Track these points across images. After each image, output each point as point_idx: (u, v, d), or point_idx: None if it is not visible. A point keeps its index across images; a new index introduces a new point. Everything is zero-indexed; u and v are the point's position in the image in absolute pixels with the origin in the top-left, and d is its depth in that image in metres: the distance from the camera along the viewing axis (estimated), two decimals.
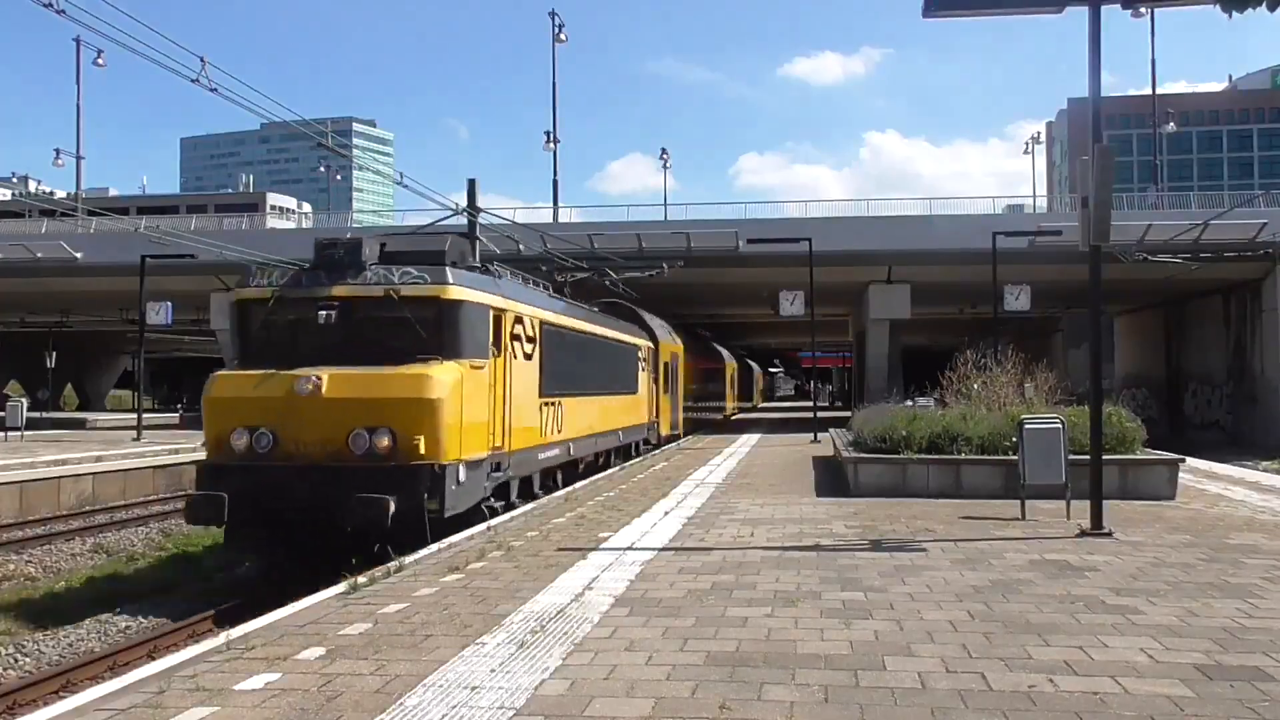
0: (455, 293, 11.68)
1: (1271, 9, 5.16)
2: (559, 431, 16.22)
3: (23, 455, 21.79)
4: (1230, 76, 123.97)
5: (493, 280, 13.51)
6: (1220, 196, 43.29)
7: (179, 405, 63.58)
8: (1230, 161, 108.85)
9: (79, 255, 35.38)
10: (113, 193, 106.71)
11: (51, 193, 72.24)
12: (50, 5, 11.30)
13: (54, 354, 46.06)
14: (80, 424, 40.24)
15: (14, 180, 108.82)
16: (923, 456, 13.93)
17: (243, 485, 10.73)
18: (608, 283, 30.70)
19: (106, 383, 64.53)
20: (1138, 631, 6.25)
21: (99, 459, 22.06)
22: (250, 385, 11.18)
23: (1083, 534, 10.06)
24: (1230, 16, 5.58)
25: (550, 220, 40.79)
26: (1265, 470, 20.73)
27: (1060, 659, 5.63)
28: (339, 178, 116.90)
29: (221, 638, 6.51)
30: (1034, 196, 63.03)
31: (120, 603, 11.72)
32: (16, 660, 9.44)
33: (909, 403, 19.40)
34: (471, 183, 26.26)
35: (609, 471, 20.14)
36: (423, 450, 10.81)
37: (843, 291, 36.08)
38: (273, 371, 11.09)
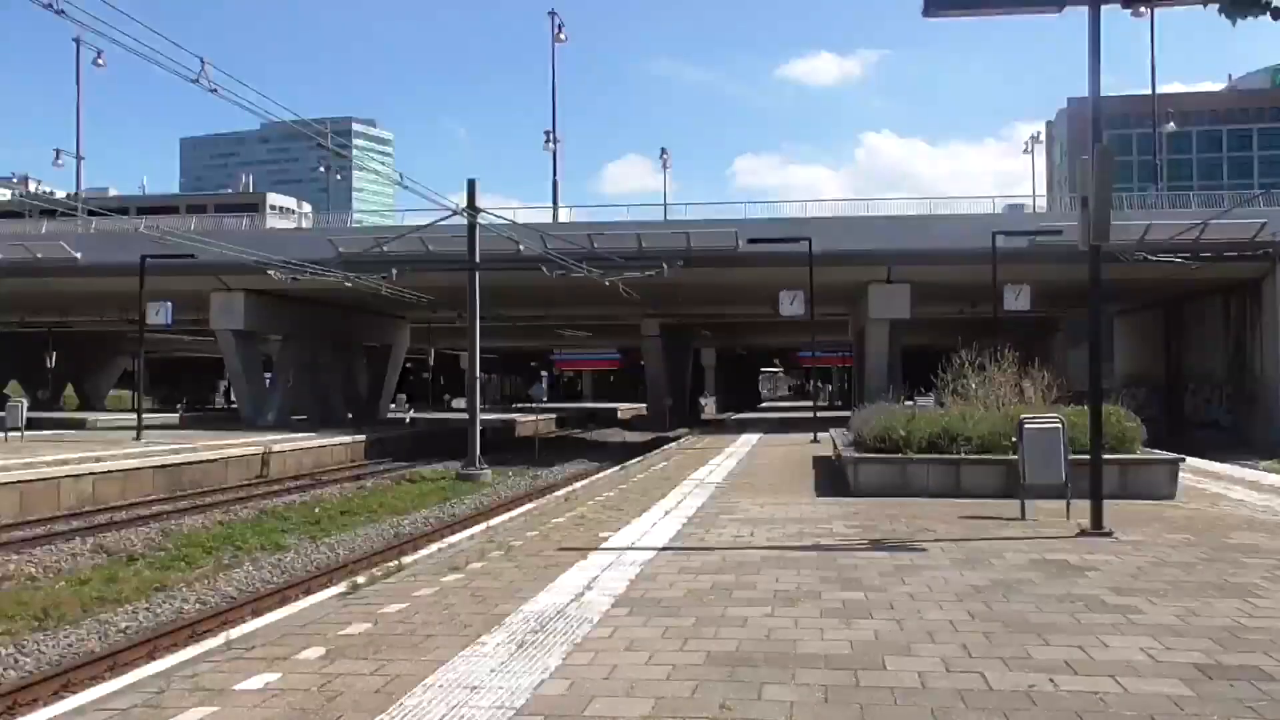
0: None
1: (1275, 17, 5.16)
2: None
3: (23, 455, 21.78)
4: (1230, 76, 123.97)
5: None
6: (1220, 196, 43.26)
7: (179, 405, 63.56)
8: (1230, 161, 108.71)
9: (79, 255, 35.37)
10: (113, 193, 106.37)
11: (51, 193, 72.17)
12: (50, 5, 11.31)
13: (54, 354, 46.06)
14: (80, 424, 40.19)
15: (14, 180, 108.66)
16: (923, 456, 13.92)
17: None
18: (607, 283, 30.74)
19: (106, 383, 64.47)
20: (1138, 631, 6.24)
21: (99, 459, 22.05)
22: None
23: (1083, 533, 10.05)
24: (1234, 24, 5.57)
25: (550, 220, 40.85)
26: (1265, 470, 20.71)
27: (1060, 659, 5.62)
28: (339, 178, 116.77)
29: (221, 638, 6.51)
30: (1034, 196, 62.93)
31: (120, 603, 11.74)
32: (16, 660, 9.43)
33: (909, 402, 19.39)
34: (471, 183, 26.32)
35: (609, 471, 20.16)
36: None
37: (843, 291, 36.07)
38: None
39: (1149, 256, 28.94)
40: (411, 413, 48.67)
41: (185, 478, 23.88)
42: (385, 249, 31.81)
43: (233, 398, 58.82)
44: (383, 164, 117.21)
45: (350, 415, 44.51)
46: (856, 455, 14.79)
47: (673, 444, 29.22)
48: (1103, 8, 10.07)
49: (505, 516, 13.18)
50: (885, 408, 16.99)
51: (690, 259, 31.49)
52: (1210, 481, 15.93)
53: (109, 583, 12.84)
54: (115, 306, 40.40)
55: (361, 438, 33.47)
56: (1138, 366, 45.39)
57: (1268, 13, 5.12)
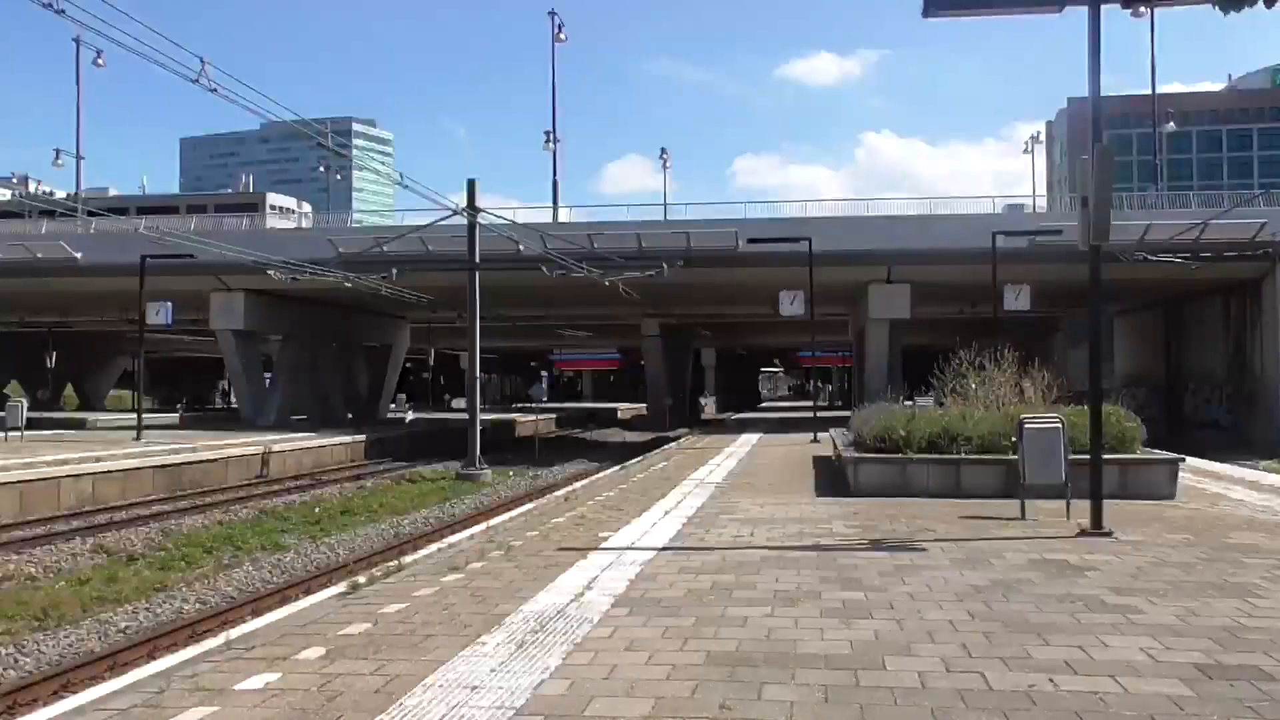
0: None
1: (1269, 5, 5.18)
2: None
3: (23, 455, 21.78)
4: (1230, 76, 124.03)
5: None
6: (1220, 196, 43.26)
7: (179, 405, 63.57)
8: (1230, 161, 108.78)
9: (79, 255, 35.38)
10: (113, 193, 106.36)
11: (51, 193, 72.15)
12: (50, 5, 11.31)
13: (54, 354, 46.08)
14: (80, 424, 40.18)
15: (14, 180, 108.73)
16: (923, 456, 13.91)
17: None
18: (607, 283, 30.73)
19: (106, 383, 64.47)
20: (1138, 631, 6.24)
21: (99, 459, 22.05)
22: None
23: (1082, 533, 10.06)
24: (1226, 14, 5.60)
25: (550, 220, 40.82)
26: (1265, 469, 20.71)
27: (1060, 658, 5.62)
28: (339, 178, 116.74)
29: (221, 638, 6.52)
30: (1034, 196, 62.89)
31: (120, 603, 11.74)
32: (16, 660, 9.43)
33: (909, 402, 19.38)
34: (471, 183, 26.31)
35: (609, 471, 20.16)
36: None
37: (843, 291, 36.07)
38: None
39: (1149, 256, 28.92)
40: (410, 414, 48.60)
41: (185, 478, 23.89)
42: (385, 249, 31.81)
43: (233, 398, 58.82)
44: (383, 164, 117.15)
45: (350, 415, 44.51)
46: (856, 455, 14.78)
47: (673, 444, 29.22)
48: (1103, 8, 10.06)
49: (505, 516, 13.18)
50: (885, 408, 16.98)
51: (690, 259, 31.48)
52: (1210, 481, 15.93)
53: (109, 583, 12.85)
54: (115, 306, 40.41)
55: (361, 438, 33.46)
56: (1138, 366, 45.38)
57: (1259, 2, 5.14)
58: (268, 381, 42.61)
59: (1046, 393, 15.98)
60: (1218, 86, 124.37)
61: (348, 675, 5.46)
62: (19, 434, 27.59)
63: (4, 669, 9.17)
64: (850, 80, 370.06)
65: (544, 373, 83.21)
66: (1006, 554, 9.05)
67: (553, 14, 48.05)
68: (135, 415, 32.34)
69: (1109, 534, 9.96)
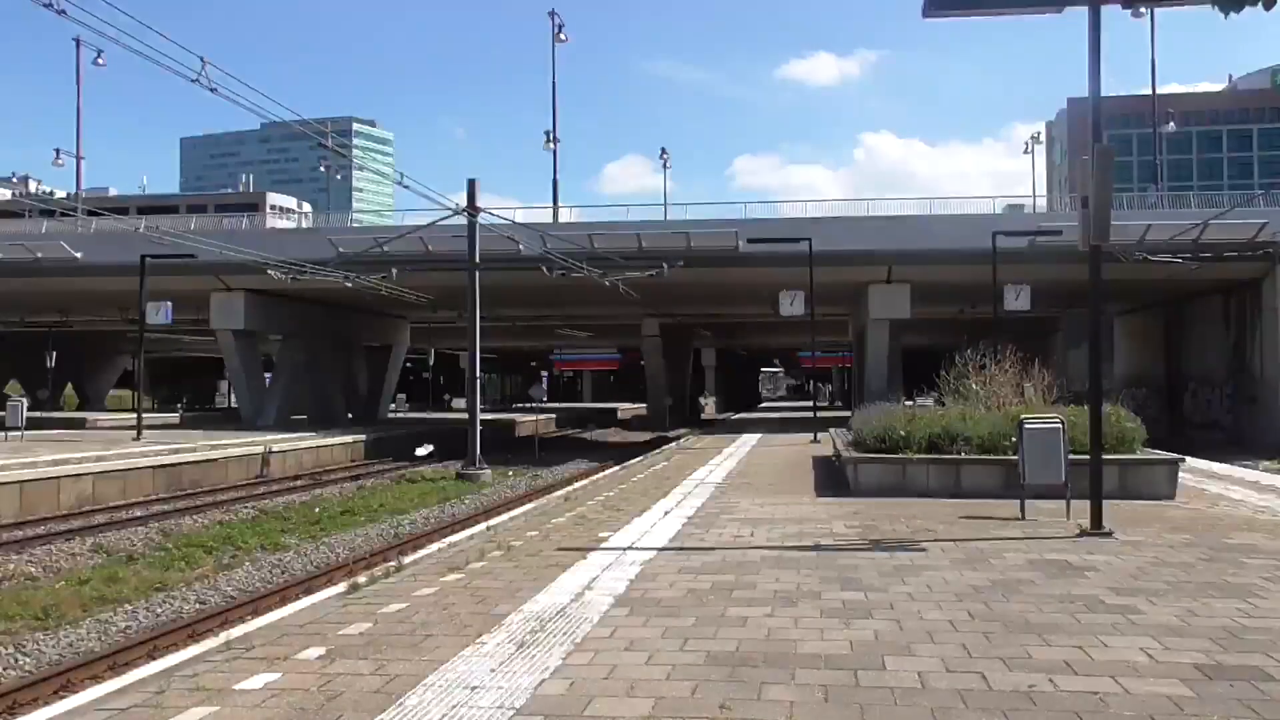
0: None
1: (1268, 7, 5.17)
2: None
3: (23, 455, 21.76)
4: (1230, 76, 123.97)
5: None
6: (1220, 196, 43.26)
7: (179, 405, 63.54)
8: (1230, 161, 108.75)
9: (79, 255, 35.34)
10: (113, 193, 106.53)
11: (51, 193, 72.18)
12: (50, 5, 11.32)
13: (54, 354, 46.10)
14: (80, 424, 40.19)
15: (14, 180, 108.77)
16: (923, 456, 13.92)
17: None
18: (607, 283, 30.74)
19: (106, 383, 64.45)
20: (1138, 631, 6.25)
21: (99, 459, 22.04)
22: None
23: (1083, 534, 10.06)
24: (1226, 16, 5.59)
25: (550, 220, 40.78)
26: (1265, 470, 20.70)
27: (1060, 659, 5.63)
28: (339, 178, 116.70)
29: (221, 638, 6.52)
30: (1034, 196, 62.79)
31: (120, 603, 11.74)
32: (16, 660, 9.43)
33: (909, 402, 19.40)
34: (471, 183, 26.30)
35: (609, 471, 20.16)
36: None
37: (843, 291, 36.05)
38: None
39: (1149, 256, 28.90)
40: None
41: (185, 477, 23.88)
42: (385, 249, 31.78)
43: (233, 398, 58.79)
44: (383, 164, 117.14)
45: (350, 415, 44.50)
46: (856, 455, 14.79)
47: (673, 444, 29.23)
48: (1103, 8, 10.06)
49: (505, 516, 13.18)
50: (885, 408, 16.99)
51: (690, 259, 31.47)
52: (1210, 482, 15.93)
53: (109, 583, 12.83)
54: (115, 306, 40.39)
55: (361, 437, 33.46)
56: (1138, 367, 45.36)
57: (1260, 3, 5.13)
58: (268, 381, 42.59)
59: (1046, 393, 16.00)
60: (1218, 86, 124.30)
61: (348, 675, 5.46)
62: (19, 434, 27.59)
63: (4, 669, 9.17)
64: (850, 80, 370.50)
65: (544, 373, 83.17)
66: (1006, 554, 9.05)
67: (553, 14, 48.01)
68: (135, 415, 32.32)
69: (1109, 534, 9.97)
